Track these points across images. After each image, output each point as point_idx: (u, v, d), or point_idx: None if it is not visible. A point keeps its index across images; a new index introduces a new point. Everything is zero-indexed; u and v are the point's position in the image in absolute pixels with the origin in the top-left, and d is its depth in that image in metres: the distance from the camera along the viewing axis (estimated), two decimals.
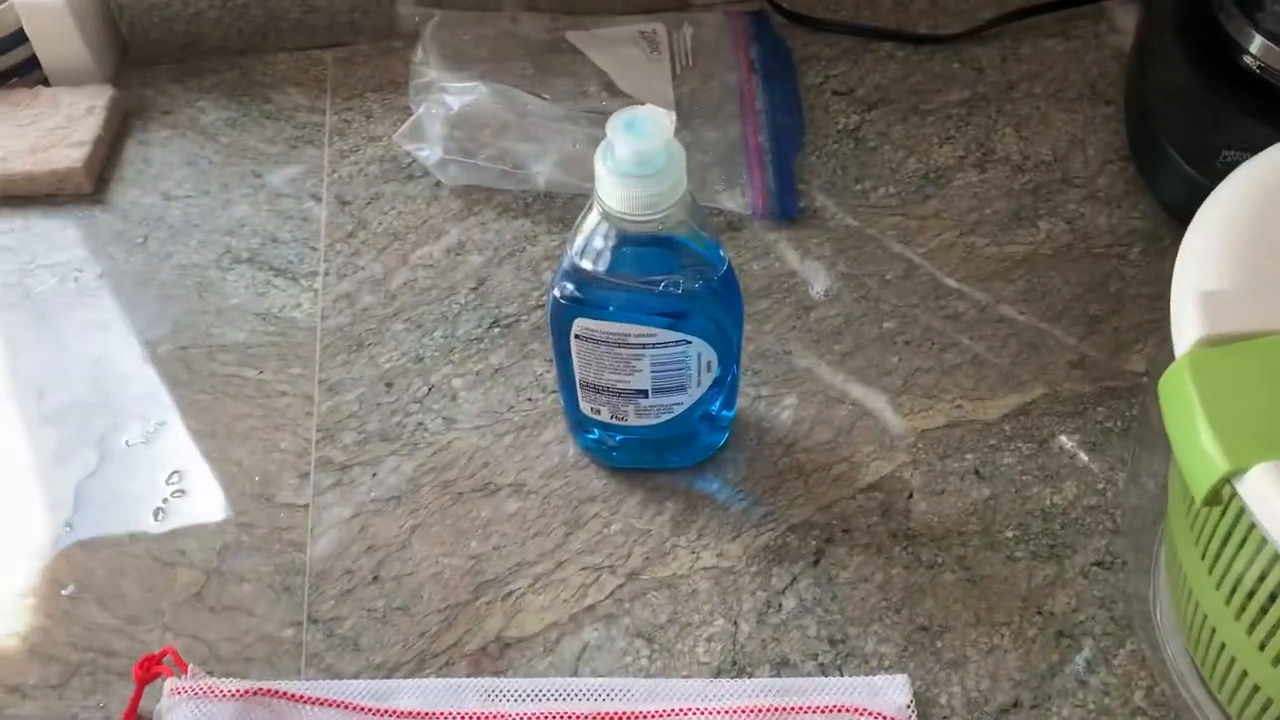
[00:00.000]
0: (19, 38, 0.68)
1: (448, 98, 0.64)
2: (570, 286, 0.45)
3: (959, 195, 0.63)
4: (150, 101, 0.70)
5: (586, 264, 0.44)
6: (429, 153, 0.63)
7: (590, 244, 0.44)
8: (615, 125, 0.41)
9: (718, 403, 0.50)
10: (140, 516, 0.51)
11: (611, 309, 0.45)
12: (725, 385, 0.49)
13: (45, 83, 0.70)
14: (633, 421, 0.49)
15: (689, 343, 0.46)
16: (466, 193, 0.64)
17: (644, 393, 0.47)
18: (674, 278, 0.44)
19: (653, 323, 0.45)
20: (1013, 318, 0.57)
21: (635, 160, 0.40)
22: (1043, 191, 0.63)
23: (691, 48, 0.71)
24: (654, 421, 0.49)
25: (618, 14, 0.74)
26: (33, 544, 0.50)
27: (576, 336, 0.46)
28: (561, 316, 0.46)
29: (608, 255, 0.44)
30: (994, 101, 0.68)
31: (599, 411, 0.49)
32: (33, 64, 0.70)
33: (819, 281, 0.59)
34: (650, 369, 0.46)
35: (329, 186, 0.65)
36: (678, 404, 0.48)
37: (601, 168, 0.41)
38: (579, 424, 0.51)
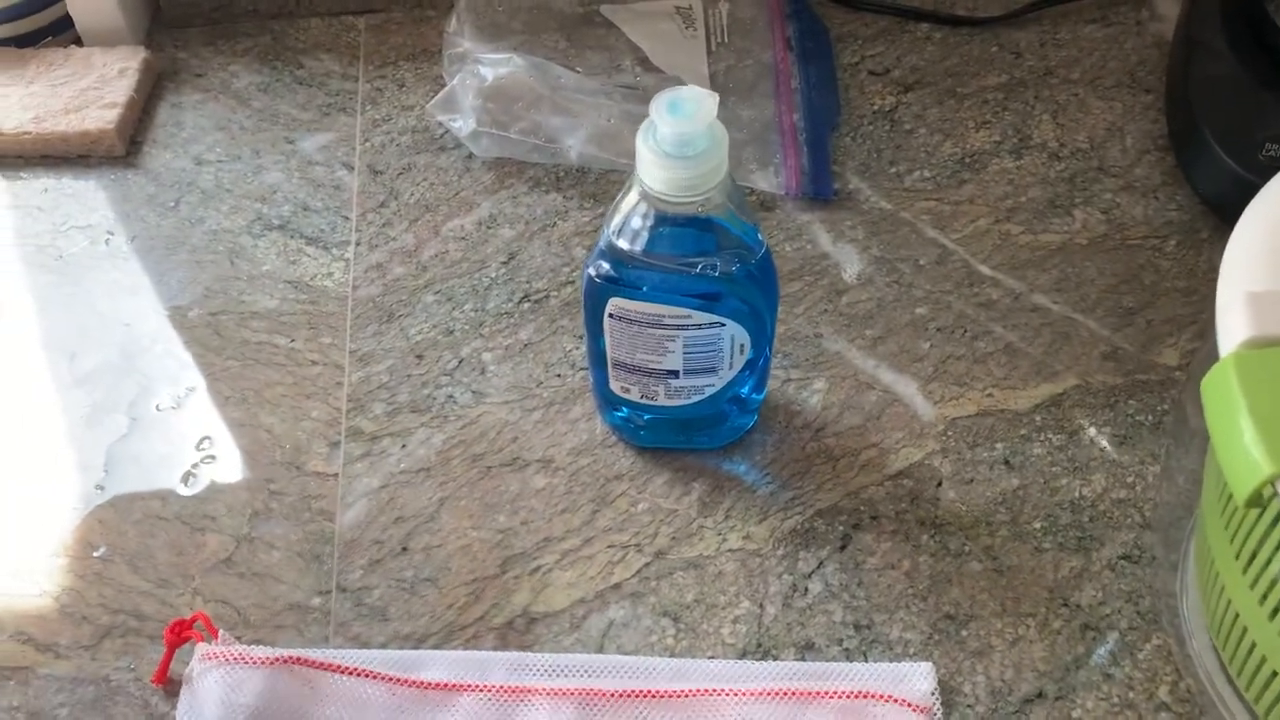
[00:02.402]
0: None
1: (482, 69, 0.63)
2: (606, 265, 0.45)
3: (994, 181, 0.63)
4: (182, 64, 0.70)
5: (624, 243, 0.44)
6: (462, 124, 0.63)
7: (628, 223, 0.44)
8: (659, 105, 0.40)
9: (748, 385, 0.49)
10: (170, 481, 0.51)
11: (646, 289, 0.45)
12: (757, 368, 0.49)
13: (78, 42, 0.70)
14: (662, 401, 0.49)
15: (723, 325, 0.46)
16: (498, 165, 0.64)
17: (675, 373, 0.47)
18: (711, 260, 0.44)
19: (687, 304, 0.45)
20: (1046, 307, 0.57)
21: (678, 141, 0.40)
22: (1079, 180, 0.63)
23: (727, 24, 0.71)
24: (684, 402, 0.49)
25: None
26: (64, 505, 0.50)
27: (610, 316, 0.46)
28: (596, 295, 0.46)
29: (645, 235, 0.43)
30: (1031, 87, 0.68)
31: (628, 390, 0.49)
32: (65, 23, 0.70)
33: (851, 265, 0.59)
34: (683, 350, 0.46)
35: (361, 155, 0.65)
36: (709, 385, 0.48)
37: (643, 147, 0.41)
38: (607, 401, 0.51)
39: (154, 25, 0.72)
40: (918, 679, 0.44)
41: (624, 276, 0.45)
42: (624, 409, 0.51)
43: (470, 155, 0.64)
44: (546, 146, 0.63)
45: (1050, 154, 0.64)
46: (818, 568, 0.48)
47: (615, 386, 0.49)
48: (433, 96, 0.67)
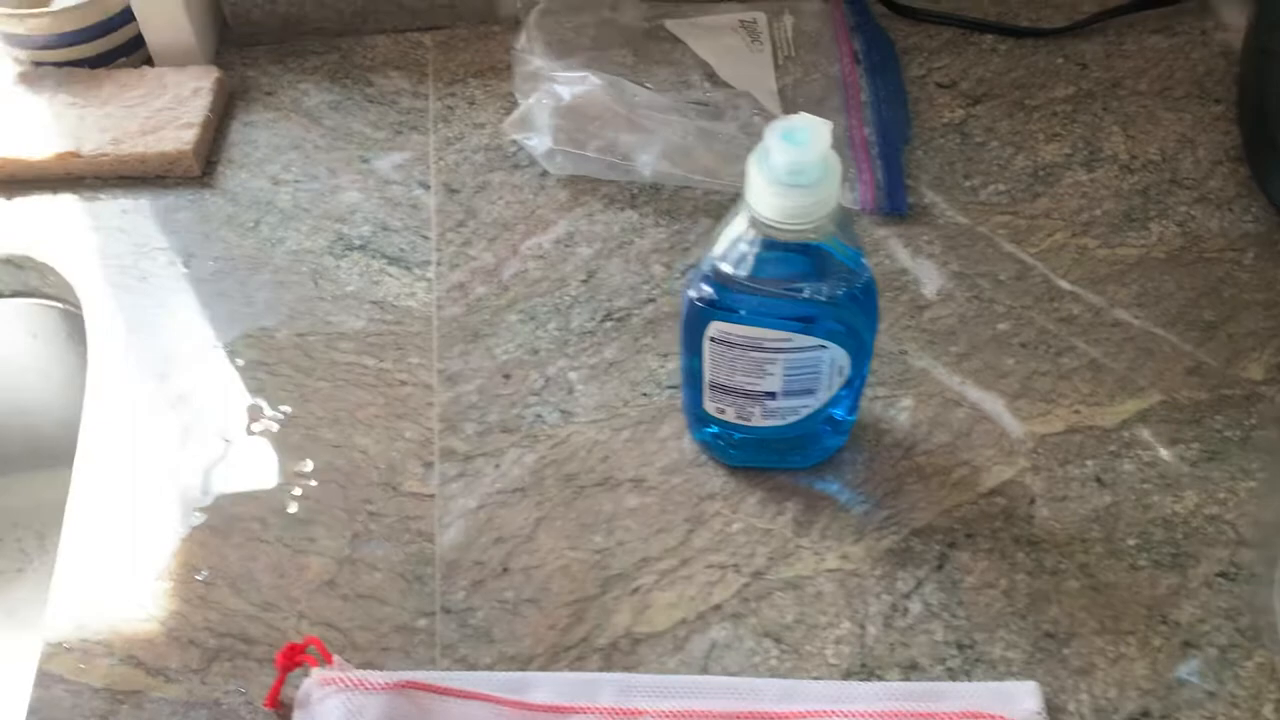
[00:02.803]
0: (125, 17, 0.69)
1: (558, 87, 0.64)
2: (708, 289, 0.45)
3: (1068, 194, 0.63)
4: (252, 82, 0.70)
5: (729, 268, 0.44)
6: (537, 142, 0.64)
7: (734, 248, 0.44)
8: (774, 133, 0.41)
9: (843, 407, 0.50)
10: (269, 503, 0.52)
11: (747, 313, 0.45)
12: (853, 389, 0.49)
13: (149, 62, 0.70)
14: (758, 422, 0.49)
15: (824, 348, 0.46)
16: (572, 183, 0.64)
17: (773, 395, 0.48)
18: (817, 285, 0.44)
19: (789, 327, 0.45)
20: (1127, 322, 0.57)
21: (792, 170, 0.40)
22: (1153, 192, 0.63)
23: (793, 38, 0.71)
24: (779, 423, 0.49)
25: (716, 1, 0.73)
26: (164, 529, 0.51)
27: (711, 339, 0.46)
28: (697, 318, 0.46)
29: (751, 260, 0.44)
30: (1099, 98, 0.68)
31: (724, 411, 0.49)
32: (136, 43, 0.70)
33: (931, 280, 0.59)
34: (783, 372, 0.47)
35: (436, 174, 0.65)
36: (805, 407, 0.49)
37: (755, 174, 0.41)
38: (698, 419, 0.52)
39: (221, 44, 0.73)
40: (1024, 698, 0.44)
41: (727, 301, 0.45)
42: (715, 426, 0.51)
43: (544, 173, 0.65)
44: (620, 164, 0.64)
45: (1122, 166, 0.64)
46: (916, 587, 0.48)
47: (710, 407, 0.50)
48: (504, 113, 0.68)
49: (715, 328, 0.46)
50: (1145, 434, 0.53)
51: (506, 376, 0.56)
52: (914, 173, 0.64)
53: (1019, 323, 0.57)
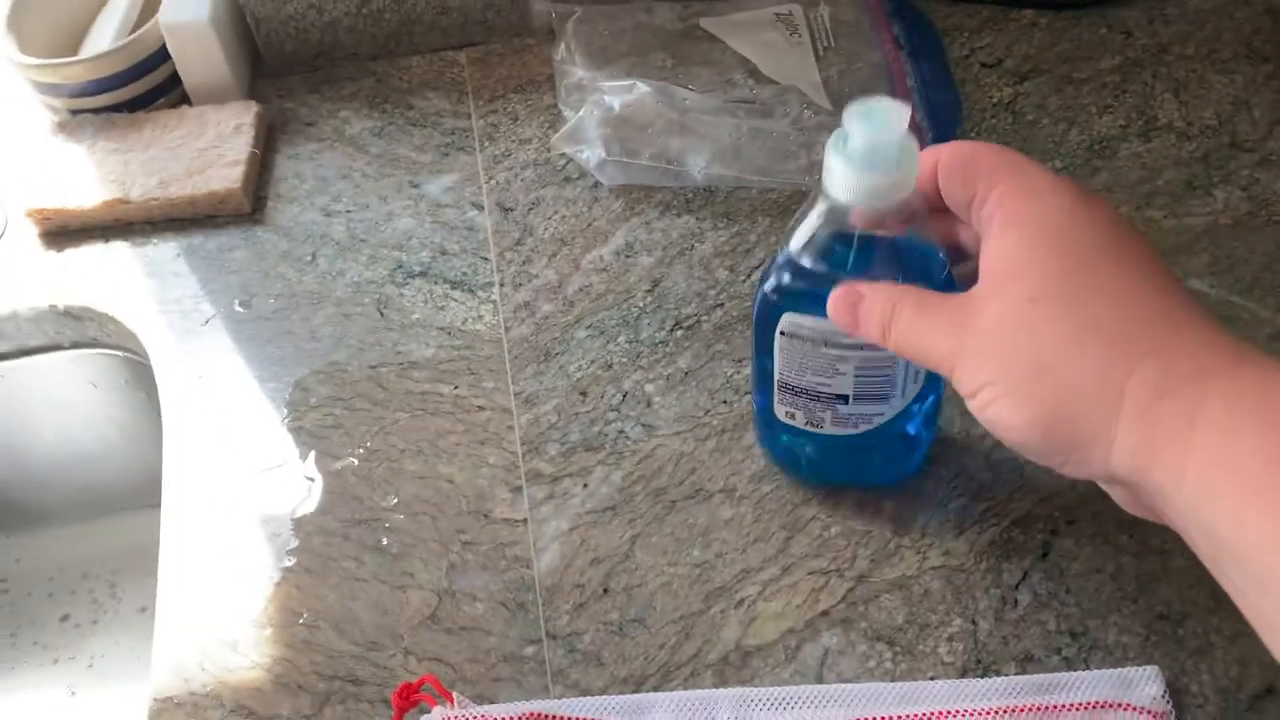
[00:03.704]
0: (159, 57, 0.68)
1: (607, 98, 0.63)
2: (786, 278, 0.44)
3: (1127, 166, 0.62)
4: (291, 114, 0.70)
5: (806, 260, 0.43)
6: (589, 154, 0.63)
7: (811, 239, 0.43)
8: (851, 115, 0.39)
9: (915, 422, 0.49)
10: (361, 540, 0.51)
11: (820, 305, 0.43)
12: (928, 402, 0.48)
13: (186, 101, 0.70)
14: (828, 429, 0.48)
15: None
16: (625, 192, 0.64)
17: (845, 398, 0.46)
18: (894, 275, 0.43)
19: None
20: (1203, 292, 0.56)
21: (869, 150, 0.39)
22: (1213, 158, 0.62)
23: (831, 27, 0.70)
24: (851, 431, 0.48)
25: None
26: (260, 575, 0.51)
27: (782, 333, 0.45)
28: (769, 313, 0.45)
29: (827, 250, 0.43)
30: (1148, 66, 0.67)
31: (794, 416, 0.48)
32: (172, 83, 0.70)
33: None
34: (855, 373, 0.45)
35: (488, 194, 0.64)
36: (878, 414, 0.47)
37: (834, 158, 0.40)
38: (769, 427, 0.51)
39: (255, 77, 0.72)
40: (1146, 683, 0.44)
41: (799, 292, 0.44)
42: (785, 436, 0.50)
43: (596, 184, 0.64)
44: (672, 169, 0.63)
45: (1179, 134, 0.63)
46: (1023, 578, 0.48)
47: (780, 411, 0.48)
48: (547, 127, 0.67)
49: (786, 320, 0.44)
50: None
51: (583, 394, 0.56)
52: None
53: None
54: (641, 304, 0.59)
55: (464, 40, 0.72)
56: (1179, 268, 0.57)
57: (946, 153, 0.41)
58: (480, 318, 0.59)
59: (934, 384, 0.47)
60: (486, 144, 0.67)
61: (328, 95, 0.71)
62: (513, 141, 0.67)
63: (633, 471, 0.53)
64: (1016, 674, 0.45)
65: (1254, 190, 0.60)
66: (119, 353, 0.65)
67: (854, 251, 0.43)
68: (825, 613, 0.48)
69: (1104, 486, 0.41)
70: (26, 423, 0.69)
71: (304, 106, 0.70)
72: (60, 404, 0.68)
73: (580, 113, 0.63)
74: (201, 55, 0.67)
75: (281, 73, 0.72)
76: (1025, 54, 0.68)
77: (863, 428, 0.48)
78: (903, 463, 0.51)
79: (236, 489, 0.54)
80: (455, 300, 0.60)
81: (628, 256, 0.61)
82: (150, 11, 0.69)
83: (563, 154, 0.65)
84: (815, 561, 0.49)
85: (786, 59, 0.69)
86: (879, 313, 0.41)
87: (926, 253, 0.44)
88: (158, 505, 0.54)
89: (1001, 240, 0.38)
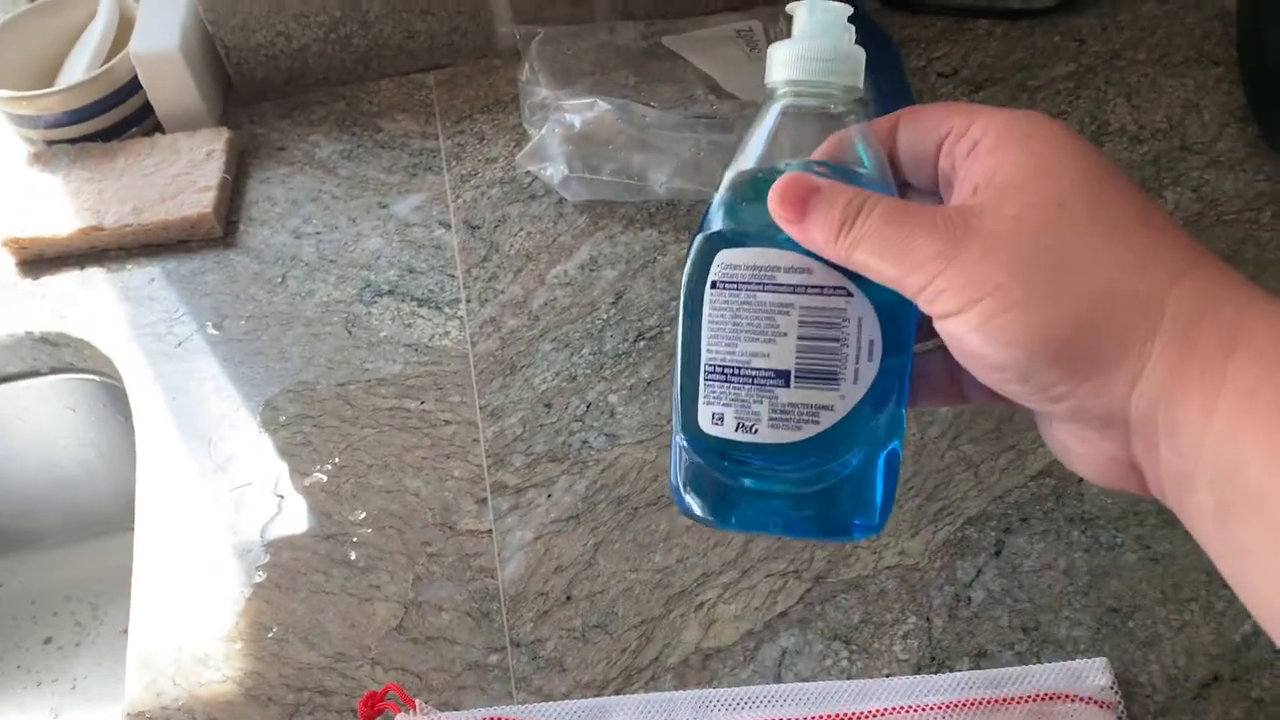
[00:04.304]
0: (132, 87, 0.70)
1: (568, 116, 0.64)
2: (721, 215, 0.38)
3: None
4: (262, 139, 0.71)
5: (746, 190, 0.37)
6: (553, 171, 0.64)
7: (748, 148, 0.38)
8: (797, 6, 0.37)
9: (860, 454, 0.39)
10: (330, 554, 0.52)
11: (759, 231, 0.37)
12: (886, 408, 0.38)
13: (159, 129, 0.71)
14: (764, 435, 0.38)
15: (850, 296, 0.37)
16: (590, 208, 0.65)
17: (785, 376, 0.38)
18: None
19: (808, 252, 0.37)
20: None
21: (816, 26, 0.37)
22: (1164, 160, 0.63)
23: None
24: (792, 437, 0.39)
25: (708, 13, 0.74)
26: (229, 590, 0.52)
27: (714, 284, 0.38)
28: (705, 258, 0.38)
29: (770, 150, 0.37)
30: (1101, 72, 0.68)
31: (722, 419, 0.39)
32: (145, 112, 0.71)
33: None
34: (797, 330, 0.38)
35: (455, 212, 0.66)
36: (825, 408, 0.38)
37: (776, 46, 0.37)
38: (695, 478, 0.40)
39: (227, 104, 0.73)
40: (1095, 674, 0.45)
41: (738, 221, 0.38)
42: (708, 487, 0.40)
43: (561, 200, 0.65)
44: (635, 184, 0.65)
45: (1131, 137, 0.65)
46: (977, 576, 0.49)
47: (706, 416, 0.39)
48: (513, 146, 0.69)
49: (720, 263, 0.37)
50: None
51: (548, 406, 0.57)
52: None
53: None
54: (605, 316, 0.60)
55: (431, 63, 0.74)
56: None
57: (907, 111, 0.37)
58: (447, 334, 0.60)
59: (892, 385, 0.38)
60: (454, 164, 0.68)
61: (299, 120, 0.72)
62: (479, 161, 0.68)
63: (596, 480, 0.54)
64: (970, 669, 0.46)
65: (1204, 191, 0.62)
66: (96, 377, 0.66)
67: (801, 147, 0.37)
68: (783, 614, 0.49)
69: (1068, 442, 0.34)
70: (6, 448, 0.70)
71: (275, 131, 0.72)
72: (40, 429, 0.69)
73: (543, 131, 0.65)
74: (173, 84, 0.69)
75: (253, 99, 0.74)
76: (981, 63, 0.70)
77: (807, 430, 0.39)
78: (849, 514, 0.40)
79: (208, 507, 0.55)
80: (422, 317, 0.61)
81: (592, 270, 0.62)
82: (122, 43, 0.70)
83: (528, 171, 0.66)
84: (774, 564, 0.50)
85: (746, 74, 0.70)
86: (840, 206, 0.33)
87: (875, 179, 0.37)
88: None
89: (1000, 153, 0.32)
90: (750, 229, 0.37)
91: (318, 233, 0.66)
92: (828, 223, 0.33)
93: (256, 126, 0.72)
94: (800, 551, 0.50)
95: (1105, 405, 0.30)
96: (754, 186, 0.37)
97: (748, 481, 0.40)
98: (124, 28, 0.72)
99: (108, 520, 0.74)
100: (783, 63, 0.37)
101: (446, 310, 0.61)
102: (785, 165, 0.37)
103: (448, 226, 0.65)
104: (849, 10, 0.37)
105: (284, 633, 0.50)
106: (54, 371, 0.66)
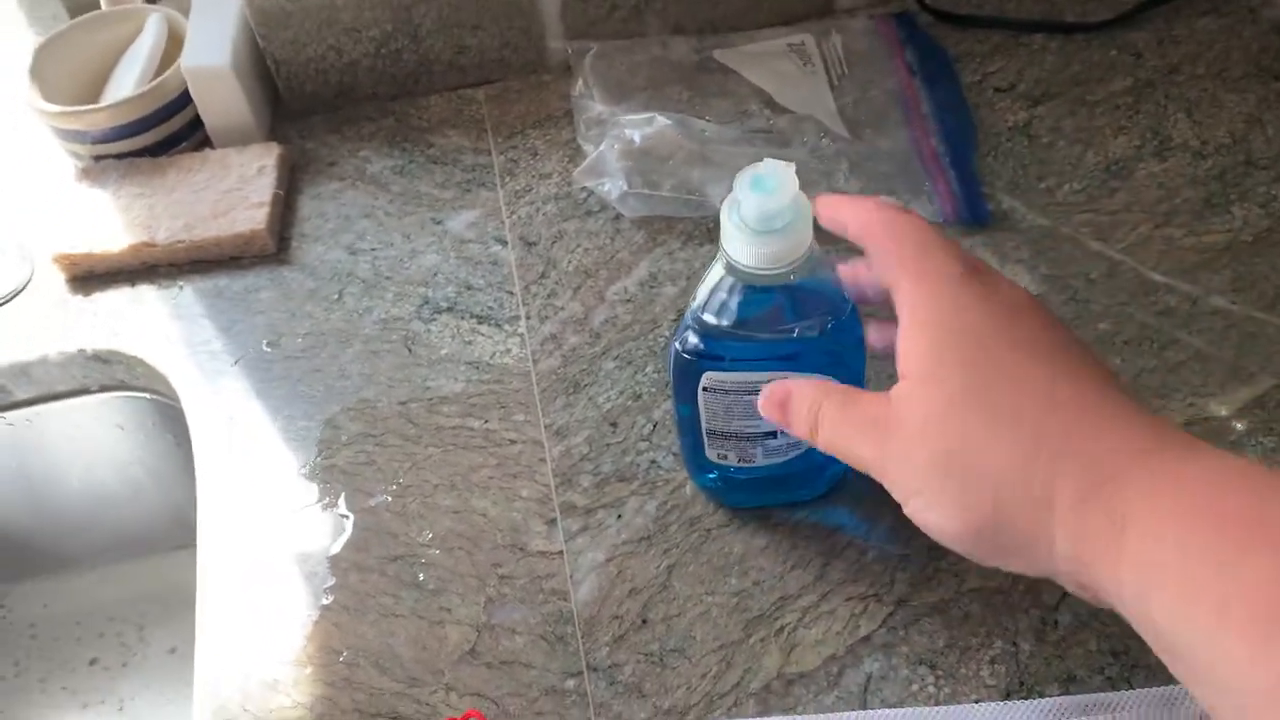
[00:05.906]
0: (181, 102, 0.69)
1: (627, 131, 0.64)
2: (695, 340, 0.45)
3: (1145, 186, 0.63)
4: (312, 154, 0.71)
5: (711, 318, 0.44)
6: (611, 187, 0.64)
7: (714, 297, 0.44)
8: (743, 182, 0.40)
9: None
10: (398, 576, 0.51)
11: (734, 360, 0.45)
12: None
13: (208, 144, 0.71)
14: (761, 462, 0.49)
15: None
16: (646, 223, 0.64)
17: (773, 433, 0.47)
18: (807, 324, 0.44)
19: (778, 368, 0.44)
20: (1226, 309, 0.57)
21: (763, 217, 0.40)
22: (1229, 176, 0.63)
23: (844, 56, 0.71)
24: (782, 460, 0.49)
25: (759, 27, 0.74)
26: (298, 614, 0.51)
27: (704, 389, 0.46)
28: (687, 370, 0.46)
29: (734, 308, 0.43)
30: (1159, 87, 0.68)
31: (725, 457, 0.49)
32: (194, 127, 0.70)
33: (1024, 285, 0.59)
34: None
35: (511, 228, 0.65)
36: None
37: (729, 224, 0.41)
38: (699, 467, 0.51)
39: (276, 118, 0.73)
40: (1189, 701, 0.44)
41: (713, 349, 0.45)
42: (715, 471, 0.51)
43: (617, 216, 0.65)
44: (693, 200, 0.64)
45: (1194, 153, 0.64)
46: (1062, 598, 0.48)
47: (711, 455, 0.49)
48: (567, 161, 0.68)
49: (708, 378, 0.45)
50: (1264, 420, 0.52)
51: (613, 425, 0.56)
52: (988, 179, 0.64)
53: (1119, 320, 0.57)
54: (668, 333, 0.59)
55: (482, 78, 0.73)
56: (1201, 285, 0.58)
57: (856, 220, 0.42)
58: (508, 351, 0.59)
59: None
60: (507, 179, 0.68)
61: (348, 135, 0.72)
62: (533, 176, 0.68)
63: (666, 501, 0.53)
64: (1060, 694, 0.45)
65: (1272, 207, 0.61)
66: (146, 395, 0.65)
67: (758, 305, 0.43)
68: (866, 638, 0.48)
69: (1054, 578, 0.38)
70: (54, 467, 0.70)
71: (325, 147, 0.71)
72: (87, 447, 0.69)
73: (601, 147, 0.64)
74: (223, 99, 0.68)
75: (302, 114, 0.73)
76: (1038, 78, 0.69)
77: (793, 454, 0.49)
78: (835, 468, 0.51)
79: (271, 529, 0.54)
80: (482, 335, 0.60)
81: (652, 287, 0.61)
82: (171, 57, 0.70)
83: (584, 187, 0.66)
84: (853, 587, 0.49)
85: (801, 88, 0.69)
86: (805, 413, 0.42)
87: (830, 295, 0.45)
88: (185, 546, 0.54)
89: (910, 340, 0.39)
90: (727, 359, 0.45)
91: (373, 249, 0.65)
92: (804, 424, 0.42)
93: (306, 141, 0.71)
94: (880, 574, 0.50)
95: (1036, 570, 0.37)
96: (726, 331, 0.44)
97: (742, 476, 0.50)
98: (171, 42, 0.71)
99: (154, 539, 0.74)
100: (738, 252, 0.42)
101: (506, 327, 0.60)
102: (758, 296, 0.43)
103: (504, 243, 0.64)
104: (794, 184, 0.40)
105: (354, 657, 0.49)
106: (104, 389, 0.65)
